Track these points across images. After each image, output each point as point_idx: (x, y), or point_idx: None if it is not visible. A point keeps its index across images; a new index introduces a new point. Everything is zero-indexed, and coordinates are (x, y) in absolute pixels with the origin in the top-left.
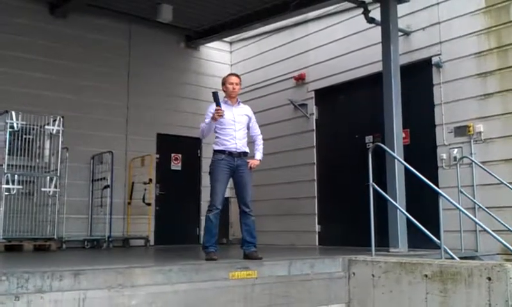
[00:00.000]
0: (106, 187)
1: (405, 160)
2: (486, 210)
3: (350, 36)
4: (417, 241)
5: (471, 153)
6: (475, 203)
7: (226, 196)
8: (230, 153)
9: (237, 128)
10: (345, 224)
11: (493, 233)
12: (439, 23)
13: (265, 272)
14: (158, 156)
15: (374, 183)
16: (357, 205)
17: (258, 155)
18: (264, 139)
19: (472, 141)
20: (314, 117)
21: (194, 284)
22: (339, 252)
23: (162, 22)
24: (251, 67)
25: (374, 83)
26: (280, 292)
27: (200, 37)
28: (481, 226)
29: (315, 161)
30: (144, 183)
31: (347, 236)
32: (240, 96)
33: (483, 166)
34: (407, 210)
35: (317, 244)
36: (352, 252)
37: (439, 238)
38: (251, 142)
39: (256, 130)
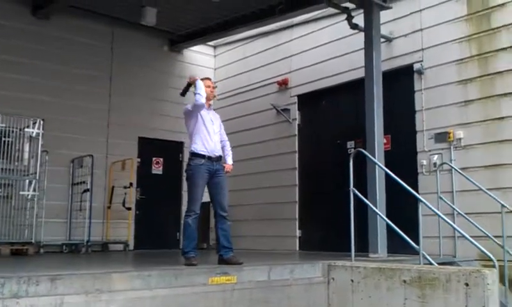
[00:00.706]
0: (86, 190)
1: (386, 165)
2: (465, 216)
3: (333, 41)
4: (397, 246)
5: (451, 160)
6: (454, 209)
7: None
8: (210, 158)
9: (215, 131)
10: (326, 229)
11: (471, 239)
12: (421, 30)
13: (244, 277)
14: (139, 160)
15: (354, 189)
16: (338, 210)
17: (230, 160)
18: (246, 144)
19: (452, 147)
20: (297, 122)
21: (173, 290)
22: (319, 258)
23: (145, 25)
24: (234, 71)
25: (356, 89)
26: (260, 297)
27: (184, 41)
28: (459, 232)
29: (297, 166)
30: (125, 187)
31: (327, 241)
32: (223, 100)
33: (462, 172)
34: (387, 216)
35: (297, 248)
36: (332, 258)
37: (418, 243)
38: None
39: (225, 136)
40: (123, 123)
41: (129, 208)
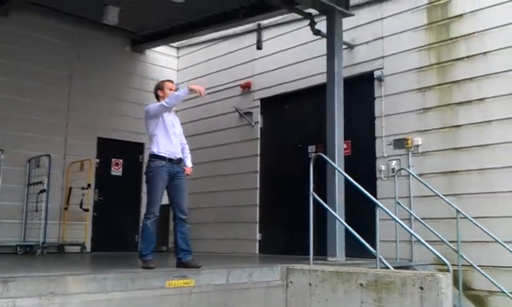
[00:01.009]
0: (42, 191)
1: (346, 170)
2: (421, 221)
3: (296, 47)
4: (356, 250)
5: (409, 166)
6: (411, 214)
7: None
8: (170, 160)
9: (177, 133)
10: (286, 232)
11: (426, 244)
12: (382, 38)
13: (202, 280)
14: (98, 161)
15: (314, 193)
16: (298, 214)
17: (190, 163)
18: (207, 146)
19: (410, 153)
20: (259, 125)
21: (129, 293)
22: (278, 261)
23: (107, 24)
24: (197, 73)
25: (318, 94)
26: (218, 301)
27: (147, 41)
28: (415, 237)
29: (258, 169)
30: (83, 189)
31: (287, 244)
32: (186, 102)
33: (420, 178)
34: (346, 220)
35: (257, 252)
36: (291, 261)
37: (375, 247)
38: None
39: (184, 139)
40: (82, 123)
41: (87, 210)
